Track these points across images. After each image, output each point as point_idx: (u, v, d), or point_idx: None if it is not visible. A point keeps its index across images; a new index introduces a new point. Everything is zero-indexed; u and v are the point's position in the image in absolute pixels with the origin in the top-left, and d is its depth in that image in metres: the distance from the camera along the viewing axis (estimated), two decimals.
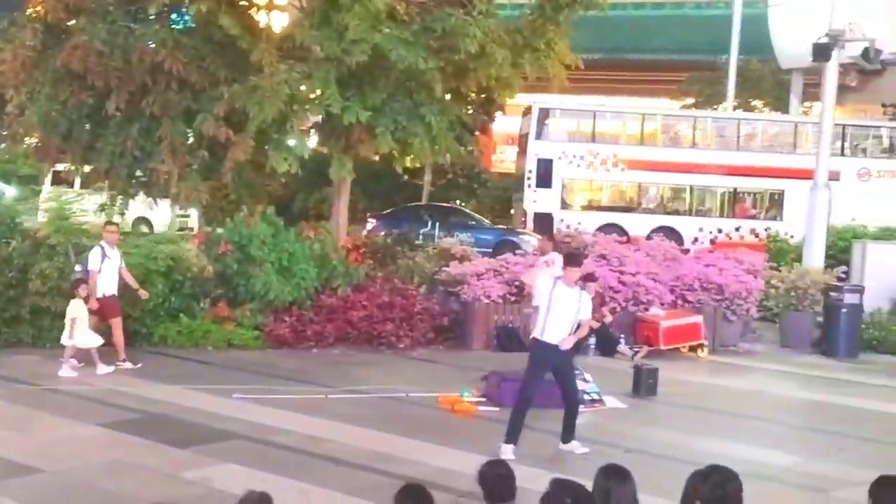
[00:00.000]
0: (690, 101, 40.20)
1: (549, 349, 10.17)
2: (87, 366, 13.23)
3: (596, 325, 16.38)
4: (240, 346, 15.26)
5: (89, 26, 16.64)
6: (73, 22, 17.53)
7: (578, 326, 10.28)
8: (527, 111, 32.18)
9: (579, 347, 16.28)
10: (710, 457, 9.53)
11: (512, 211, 31.60)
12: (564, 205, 31.13)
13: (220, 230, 17.48)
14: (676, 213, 32.17)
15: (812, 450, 11.42)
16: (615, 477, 5.32)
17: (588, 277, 16.87)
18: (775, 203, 31.99)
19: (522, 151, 31.93)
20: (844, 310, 17.81)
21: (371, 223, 27.72)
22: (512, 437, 10.16)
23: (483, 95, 19.91)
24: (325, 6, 15.97)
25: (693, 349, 17.07)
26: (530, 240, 24.94)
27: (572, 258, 10.71)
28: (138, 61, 16.31)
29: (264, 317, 15.67)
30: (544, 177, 30.56)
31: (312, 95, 16.28)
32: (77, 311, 13.20)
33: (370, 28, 15.35)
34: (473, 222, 28.60)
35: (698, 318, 17.29)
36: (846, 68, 29.44)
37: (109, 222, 14.92)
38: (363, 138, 16.89)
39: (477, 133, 21.76)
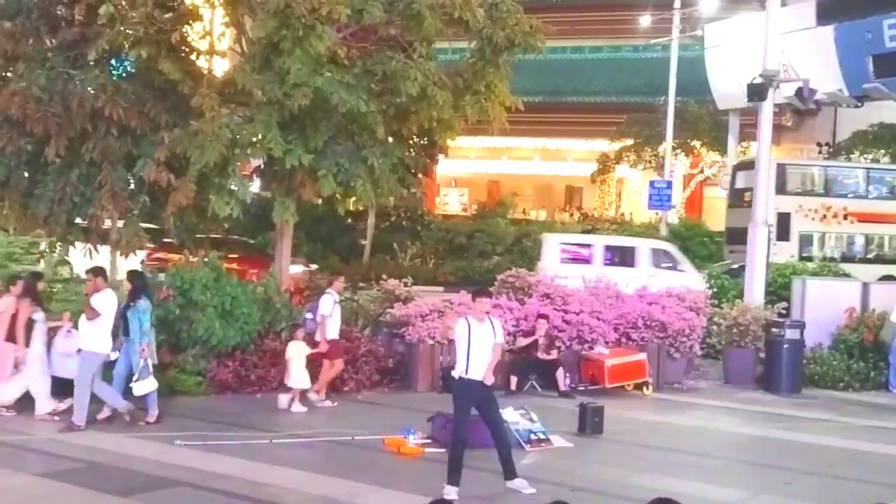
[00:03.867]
0: (629, 142, 40.70)
1: (473, 386, 10.37)
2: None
3: (544, 355, 16.55)
4: (182, 391, 15.05)
5: (28, 72, 16.47)
6: (10, 69, 17.37)
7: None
8: (742, 165, 32.97)
9: (523, 386, 16.47)
10: (657, 493, 9.54)
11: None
12: (801, 257, 31.35)
13: (161, 275, 17.29)
14: None
15: (757, 485, 11.51)
16: None
17: (541, 315, 17.09)
18: None
19: (739, 204, 32.11)
20: (786, 345, 18.05)
21: None
22: (453, 478, 10.17)
23: (425, 138, 19.97)
24: (266, 51, 15.98)
25: (638, 387, 17.18)
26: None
27: (481, 292, 10.97)
28: (78, 107, 16.15)
29: (207, 362, 15.48)
30: (783, 230, 30.78)
31: (254, 139, 16.21)
32: (294, 352, 14.49)
33: (311, 72, 15.38)
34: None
35: (643, 356, 17.41)
36: (782, 108, 30.05)
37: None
38: (305, 181, 16.86)
39: (420, 175, 21.81)
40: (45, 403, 13.36)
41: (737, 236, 27.95)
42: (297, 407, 14.53)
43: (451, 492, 9.91)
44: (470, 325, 10.41)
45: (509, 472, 10.60)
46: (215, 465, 11.12)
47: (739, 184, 32.77)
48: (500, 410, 11.67)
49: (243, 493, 10.12)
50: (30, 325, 13.56)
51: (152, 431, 12.62)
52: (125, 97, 16.35)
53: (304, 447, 12.19)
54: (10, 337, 13.45)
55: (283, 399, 14.68)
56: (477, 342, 10.34)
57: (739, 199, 32.07)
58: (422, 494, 9.07)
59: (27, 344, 13.49)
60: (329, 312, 15.07)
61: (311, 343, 14.94)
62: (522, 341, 16.86)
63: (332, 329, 15.15)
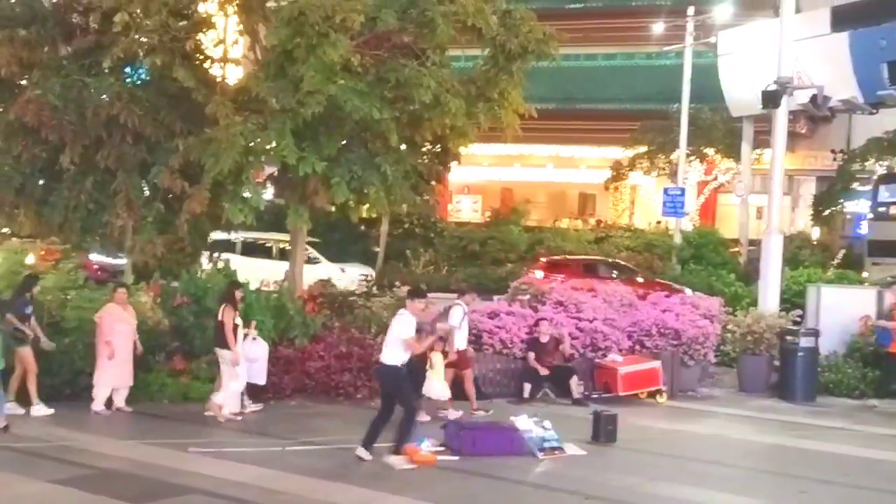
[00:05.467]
0: (643, 149, 40.60)
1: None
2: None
3: (544, 370, 16.49)
4: (196, 399, 15.04)
5: (43, 80, 16.58)
6: (26, 76, 17.47)
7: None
8: (885, 179, 32.72)
9: (536, 393, 16.44)
10: (671, 502, 9.54)
11: (865, 273, 30.91)
12: None
13: (175, 283, 17.34)
14: None
15: (772, 494, 11.46)
16: None
17: (539, 319, 17.07)
18: None
19: (883, 217, 31.57)
20: (800, 353, 17.99)
21: None
22: (369, 442, 11.83)
23: (438, 145, 19.98)
24: (280, 58, 16.04)
25: (652, 395, 17.12)
26: None
27: (413, 292, 12.58)
28: (93, 115, 16.25)
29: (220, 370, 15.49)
30: None
31: (268, 146, 16.26)
32: (435, 363, 14.49)
33: (325, 79, 15.43)
34: None
35: (656, 364, 17.36)
36: (796, 115, 29.94)
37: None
38: (319, 188, 16.88)
39: (433, 182, 21.84)
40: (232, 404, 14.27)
41: (881, 249, 27.78)
42: (453, 413, 14.58)
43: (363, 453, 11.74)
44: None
45: (397, 447, 11.85)
46: (229, 472, 11.12)
47: (883, 197, 32.51)
48: (514, 418, 12.72)
49: (256, 500, 10.12)
50: (235, 329, 14.24)
51: (167, 438, 12.62)
52: (140, 105, 16.44)
53: (317, 455, 12.18)
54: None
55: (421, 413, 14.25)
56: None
57: (883, 212, 31.79)
58: (433, 502, 9.04)
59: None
60: (458, 324, 15.21)
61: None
62: (531, 356, 16.73)
63: (460, 340, 15.28)
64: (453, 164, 23.70)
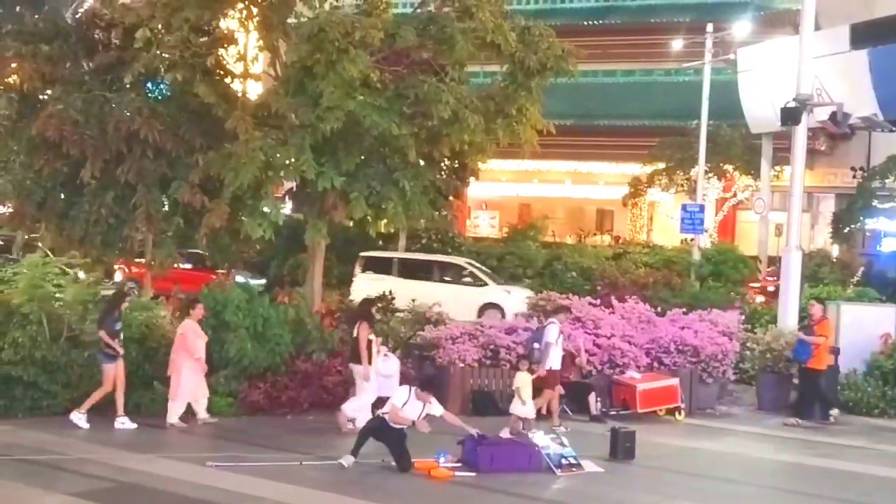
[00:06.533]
0: (661, 165, 40.55)
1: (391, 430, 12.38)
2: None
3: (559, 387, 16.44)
4: (214, 412, 15.09)
5: (64, 95, 16.75)
6: (48, 91, 17.63)
7: None
8: None
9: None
10: None
11: None
12: None
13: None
14: None
15: None
16: None
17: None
18: None
19: None
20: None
21: None
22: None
23: (456, 161, 20.02)
24: (299, 74, 16.14)
25: (670, 412, 17.06)
26: None
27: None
28: (114, 130, 16.38)
29: (238, 383, 15.54)
30: None
31: (287, 162, 16.34)
32: (521, 382, 14.61)
33: (344, 95, 15.51)
34: None
35: (675, 381, 17.30)
36: (815, 133, 29.83)
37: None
38: (337, 203, 16.94)
39: (451, 198, 21.87)
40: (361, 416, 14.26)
41: None
42: (560, 429, 14.77)
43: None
44: (410, 395, 12.44)
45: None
46: (246, 486, 11.14)
47: None
48: (531, 433, 13.01)
49: None
50: (369, 345, 14.74)
51: (186, 451, 12.66)
52: (160, 120, 16.57)
53: (335, 470, 12.17)
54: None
55: (509, 428, 14.62)
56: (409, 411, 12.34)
57: None
58: None
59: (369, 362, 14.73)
60: (555, 340, 15.46)
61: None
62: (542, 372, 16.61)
63: (554, 358, 15.48)
64: (471, 180, 23.68)
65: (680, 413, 17.12)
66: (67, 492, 10.67)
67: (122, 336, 14.48)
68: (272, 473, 11.74)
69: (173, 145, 16.68)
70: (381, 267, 27.15)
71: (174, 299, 17.61)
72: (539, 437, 12.90)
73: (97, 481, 11.20)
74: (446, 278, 27.21)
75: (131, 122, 16.39)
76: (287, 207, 20.63)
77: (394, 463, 12.15)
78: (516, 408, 14.62)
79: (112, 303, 14.87)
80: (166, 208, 17.32)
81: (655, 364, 17.96)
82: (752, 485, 12.92)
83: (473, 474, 12.06)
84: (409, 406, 12.32)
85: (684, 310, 19.82)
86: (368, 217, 17.86)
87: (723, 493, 12.26)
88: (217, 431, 14.20)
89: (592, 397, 16.67)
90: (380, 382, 14.82)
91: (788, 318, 20.34)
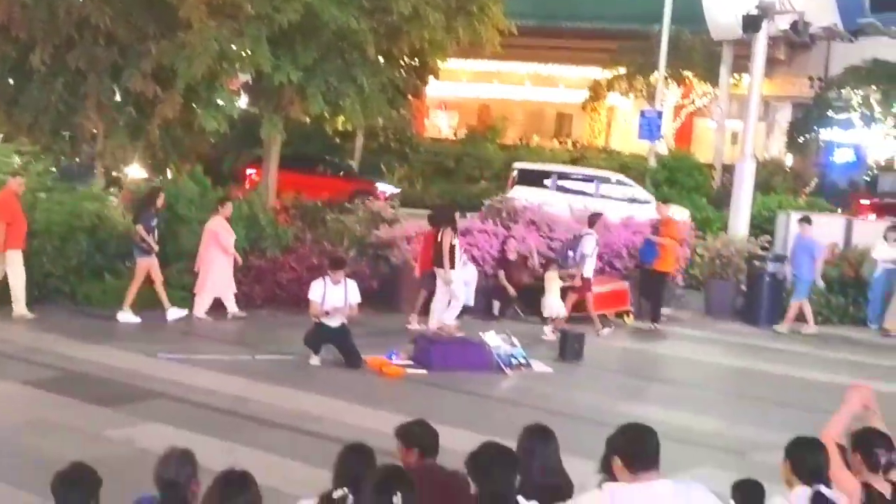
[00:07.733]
0: (622, 70, 40.33)
1: (329, 330, 12.38)
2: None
3: (512, 290, 16.56)
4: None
5: None
6: None
7: None
8: None
9: (505, 311, 16.56)
10: (634, 420, 9.66)
11: None
12: None
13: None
14: None
15: (735, 415, 11.66)
16: (539, 436, 5.39)
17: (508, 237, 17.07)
18: None
19: None
20: (767, 279, 18.13)
21: None
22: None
23: (416, 59, 19.79)
24: None
25: (619, 315, 17.28)
26: None
27: (334, 262, 12.90)
28: (64, 14, 15.97)
29: (192, 277, 15.48)
30: None
31: (243, 53, 16.04)
32: (549, 284, 15.14)
33: None
34: None
35: (625, 285, 17.48)
36: (776, 41, 29.77)
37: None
38: (294, 99, 16.74)
39: (410, 97, 21.68)
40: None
41: None
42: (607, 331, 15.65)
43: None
44: (325, 286, 12.31)
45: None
46: (198, 379, 11.18)
47: None
48: (483, 334, 12.90)
49: (224, 406, 10.20)
50: (452, 249, 14.79)
51: (137, 343, 12.64)
52: (112, 6, 16.15)
53: (287, 365, 12.26)
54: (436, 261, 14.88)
55: (547, 330, 15.14)
56: (331, 299, 12.26)
57: None
58: (401, 413, 9.12)
59: (452, 266, 14.76)
60: (590, 252, 15.75)
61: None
62: (501, 275, 16.73)
63: (589, 267, 15.73)
64: (431, 79, 23.50)
65: (629, 316, 17.35)
66: (17, 379, 10.64)
67: (156, 232, 14.48)
68: (224, 367, 11.79)
69: (125, 32, 16.32)
70: (538, 180, 25.89)
71: (126, 191, 17.39)
72: (490, 337, 13.02)
73: (46, 370, 11.16)
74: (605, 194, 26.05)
75: (82, 7, 15.99)
76: (242, 101, 20.33)
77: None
78: (546, 306, 15.13)
79: (148, 198, 14.83)
80: (118, 97, 17.00)
81: (607, 268, 18.10)
82: (698, 387, 13.22)
83: (425, 372, 12.19)
84: (329, 297, 12.36)
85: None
86: (325, 113, 17.68)
87: (669, 394, 12.51)
88: (169, 325, 14.17)
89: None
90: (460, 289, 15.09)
91: (739, 226, 20.57)
